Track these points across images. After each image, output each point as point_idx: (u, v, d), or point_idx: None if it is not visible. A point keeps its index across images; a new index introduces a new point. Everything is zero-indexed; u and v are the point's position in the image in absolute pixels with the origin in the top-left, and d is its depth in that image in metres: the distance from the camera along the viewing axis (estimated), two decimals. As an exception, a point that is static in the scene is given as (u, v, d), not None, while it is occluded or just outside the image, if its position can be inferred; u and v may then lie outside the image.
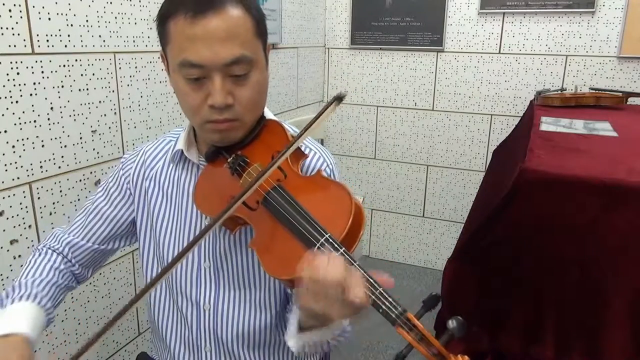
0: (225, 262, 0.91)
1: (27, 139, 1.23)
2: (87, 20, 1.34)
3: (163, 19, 0.80)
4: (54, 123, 1.29)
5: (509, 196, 1.21)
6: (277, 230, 0.73)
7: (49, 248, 1.00)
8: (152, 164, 0.99)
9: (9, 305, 0.85)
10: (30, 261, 0.97)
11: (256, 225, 0.77)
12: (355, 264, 0.65)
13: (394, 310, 0.62)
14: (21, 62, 1.19)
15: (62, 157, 1.32)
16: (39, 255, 0.98)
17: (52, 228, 1.30)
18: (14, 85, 1.18)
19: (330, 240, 0.66)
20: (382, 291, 0.64)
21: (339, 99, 0.71)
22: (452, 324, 0.62)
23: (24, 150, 1.22)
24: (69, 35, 1.29)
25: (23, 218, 1.24)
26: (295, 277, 0.67)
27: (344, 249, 0.65)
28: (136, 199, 0.99)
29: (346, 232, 0.67)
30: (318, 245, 0.66)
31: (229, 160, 0.84)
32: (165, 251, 0.96)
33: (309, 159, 0.90)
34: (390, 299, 0.63)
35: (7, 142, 1.18)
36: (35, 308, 0.86)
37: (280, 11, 2.35)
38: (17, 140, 1.20)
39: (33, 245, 1.27)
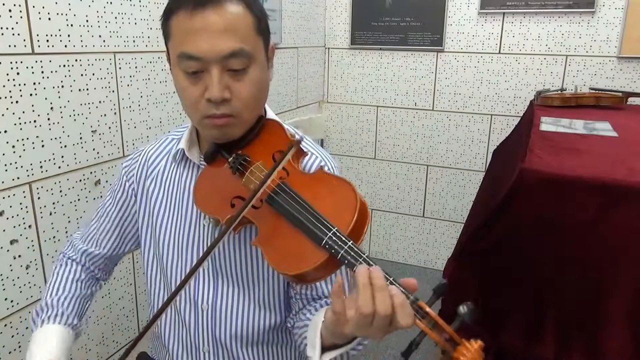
0: (223, 261, 0.91)
1: (27, 139, 1.23)
2: (87, 20, 1.34)
3: (166, 16, 0.82)
4: (54, 123, 1.29)
5: (509, 196, 1.21)
6: (283, 226, 0.73)
7: (69, 258, 1.06)
8: (155, 163, 0.99)
9: (39, 327, 0.93)
10: (54, 274, 1.03)
11: (260, 223, 0.77)
12: (364, 256, 0.65)
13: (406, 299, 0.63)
14: (21, 62, 1.19)
15: (62, 157, 1.32)
16: (61, 267, 1.04)
17: (52, 228, 1.31)
18: (14, 85, 1.18)
19: (338, 234, 0.66)
20: (393, 281, 0.65)
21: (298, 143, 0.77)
22: (463, 309, 0.63)
23: (24, 150, 1.22)
24: (69, 35, 1.29)
25: (23, 218, 1.24)
26: (302, 272, 0.67)
27: (351, 241, 0.66)
28: (138, 199, 1.00)
29: (352, 226, 0.67)
30: (326, 239, 0.66)
31: (229, 159, 0.84)
32: (163, 250, 0.96)
33: (307, 159, 0.90)
34: (402, 289, 0.64)
35: (7, 142, 1.18)
36: (63, 328, 0.93)
37: (280, 11, 2.35)
38: (17, 140, 1.20)
39: (33, 245, 1.27)
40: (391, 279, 0.65)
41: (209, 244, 0.92)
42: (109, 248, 1.05)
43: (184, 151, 0.93)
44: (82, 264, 1.05)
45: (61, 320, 0.94)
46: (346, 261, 0.65)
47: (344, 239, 0.66)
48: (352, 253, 0.65)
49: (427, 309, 0.63)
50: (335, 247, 0.66)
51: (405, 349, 0.62)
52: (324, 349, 0.74)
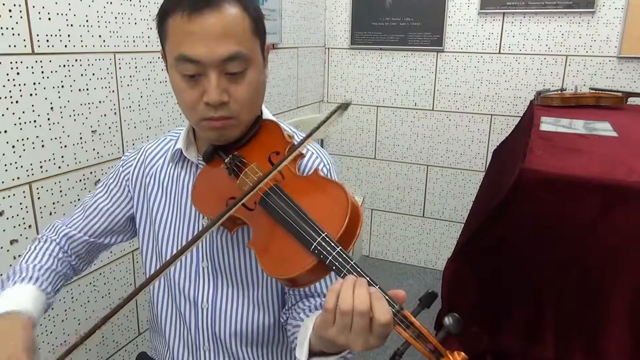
0: (223, 261, 0.92)
1: (27, 139, 1.23)
2: (87, 20, 1.34)
3: (162, 17, 0.81)
4: (54, 123, 1.29)
5: (509, 196, 1.21)
6: (275, 230, 0.73)
7: (49, 237, 1.01)
8: (152, 162, 0.99)
9: (10, 287, 0.86)
10: (30, 248, 0.99)
11: (254, 225, 0.77)
12: (351, 262, 0.65)
13: (390, 308, 0.63)
14: (21, 62, 1.19)
15: (62, 157, 1.32)
16: (39, 242, 1.00)
17: (52, 228, 1.31)
18: (14, 85, 1.18)
19: (327, 239, 0.66)
20: (379, 288, 0.64)
21: (345, 106, 0.72)
22: (448, 320, 0.63)
23: (24, 150, 1.22)
24: (69, 35, 1.29)
25: (23, 218, 1.24)
26: (292, 276, 0.67)
27: (340, 247, 0.66)
28: (135, 196, 1.00)
29: (342, 232, 0.67)
30: (315, 244, 0.66)
31: (226, 160, 0.84)
32: (163, 248, 0.96)
33: (306, 159, 0.90)
34: (386, 297, 0.64)
35: (7, 142, 1.18)
36: (37, 291, 0.87)
37: (280, 11, 2.35)
38: (17, 140, 1.20)
39: (33, 245, 1.27)
40: (377, 287, 0.65)
41: (208, 245, 0.92)
42: (92, 235, 1.01)
43: (181, 151, 0.93)
44: (61, 246, 1.00)
45: (36, 283, 0.88)
46: (334, 267, 0.65)
47: (332, 244, 0.66)
48: (340, 259, 0.65)
49: (412, 319, 0.63)
50: (324, 252, 0.65)
51: (389, 359, 0.62)
52: (313, 354, 0.74)
